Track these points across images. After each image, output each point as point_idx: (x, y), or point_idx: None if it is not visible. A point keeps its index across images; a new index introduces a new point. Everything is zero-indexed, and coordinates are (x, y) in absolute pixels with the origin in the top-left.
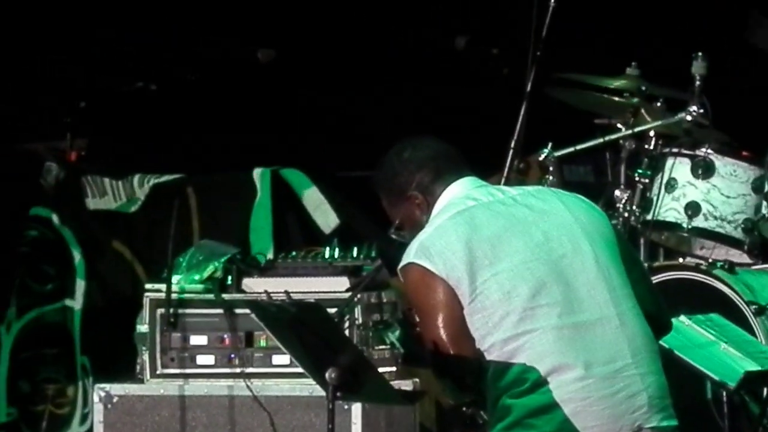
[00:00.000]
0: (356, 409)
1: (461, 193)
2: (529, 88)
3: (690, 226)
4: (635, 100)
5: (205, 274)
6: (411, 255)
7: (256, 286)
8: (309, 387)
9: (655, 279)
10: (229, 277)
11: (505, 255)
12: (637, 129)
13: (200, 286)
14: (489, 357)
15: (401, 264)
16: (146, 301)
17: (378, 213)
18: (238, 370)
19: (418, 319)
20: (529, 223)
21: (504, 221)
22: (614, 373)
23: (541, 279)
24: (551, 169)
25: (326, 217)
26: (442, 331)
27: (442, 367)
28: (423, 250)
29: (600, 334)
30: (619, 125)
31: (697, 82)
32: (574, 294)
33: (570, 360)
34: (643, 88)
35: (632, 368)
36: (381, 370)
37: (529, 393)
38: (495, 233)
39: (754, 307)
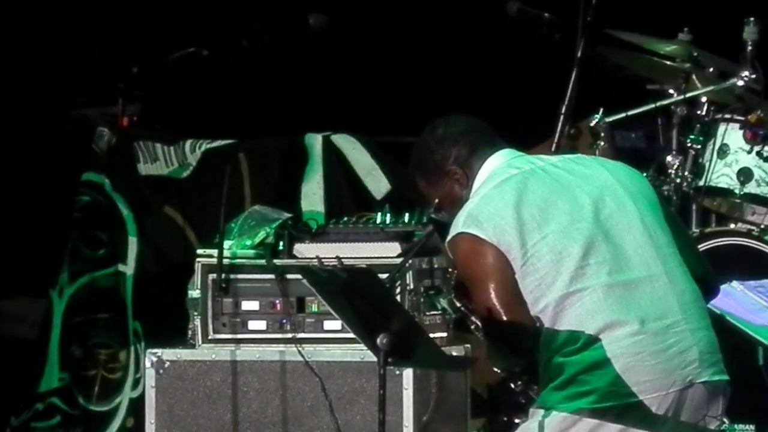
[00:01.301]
0: (407, 374)
1: (501, 164)
2: (580, 53)
3: (742, 192)
4: (687, 65)
5: (257, 240)
6: (459, 225)
7: (307, 251)
8: (360, 352)
9: (707, 245)
10: (281, 243)
11: (552, 217)
12: (689, 94)
13: (252, 252)
14: (543, 319)
15: (449, 236)
16: (198, 267)
17: None
18: (289, 336)
19: (469, 297)
20: (573, 187)
21: (548, 186)
22: (665, 328)
23: (591, 238)
24: (602, 135)
25: (378, 183)
26: (495, 297)
27: (498, 333)
28: (471, 219)
29: (649, 291)
30: (670, 91)
31: (749, 48)
32: (621, 252)
33: (621, 316)
34: (695, 53)
35: (683, 324)
36: (432, 335)
37: (582, 350)
38: (541, 197)
39: None
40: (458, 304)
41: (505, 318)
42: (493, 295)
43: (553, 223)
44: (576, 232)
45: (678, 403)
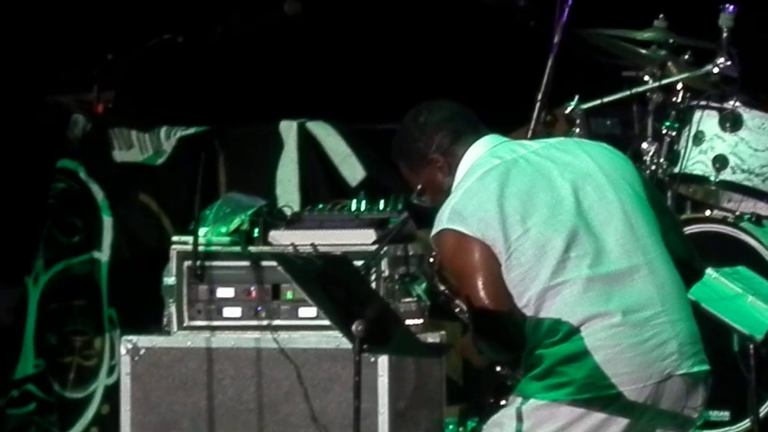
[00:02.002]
0: (383, 361)
1: (484, 154)
2: (556, 40)
3: (717, 179)
4: (662, 52)
5: (232, 227)
6: (444, 221)
7: (282, 238)
8: (336, 340)
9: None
10: (256, 230)
11: (534, 210)
12: (664, 81)
13: (227, 239)
14: (526, 312)
15: (434, 231)
16: (173, 254)
17: None
18: (264, 323)
19: (452, 285)
20: (554, 177)
21: (530, 177)
22: (644, 321)
23: (573, 230)
24: (578, 121)
25: (353, 170)
26: (483, 292)
27: (487, 328)
28: (455, 214)
29: (629, 283)
30: (646, 78)
31: (725, 35)
32: (602, 245)
33: (601, 309)
34: (671, 40)
35: (662, 316)
36: (407, 322)
37: (561, 342)
38: (522, 189)
39: None
40: (442, 288)
41: (494, 313)
42: (481, 290)
43: (536, 215)
44: (558, 224)
45: (656, 395)
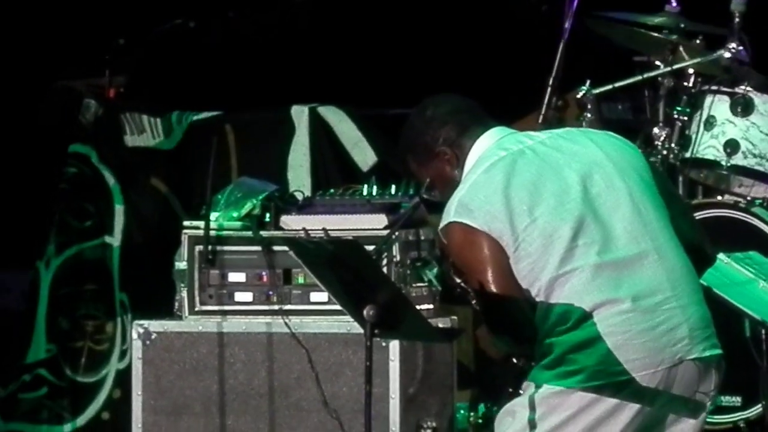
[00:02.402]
0: (394, 346)
1: (491, 146)
2: (567, 24)
3: (729, 164)
4: (674, 37)
5: (243, 211)
6: (451, 214)
7: (294, 223)
8: (347, 324)
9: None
10: (267, 215)
11: (541, 200)
12: (675, 66)
13: (238, 224)
14: (536, 301)
15: (441, 224)
16: (184, 238)
17: None
18: (276, 308)
19: (466, 278)
20: (561, 166)
21: (536, 167)
22: (654, 306)
23: (580, 218)
24: (589, 106)
25: (364, 155)
26: (493, 286)
27: (499, 322)
28: (462, 208)
29: (638, 269)
30: (657, 63)
31: (736, 19)
32: (610, 231)
33: (611, 296)
34: (682, 25)
35: (672, 301)
36: (419, 307)
37: (571, 330)
38: (529, 179)
39: None
40: (458, 281)
41: (504, 306)
42: (490, 283)
43: (543, 205)
44: (565, 213)
45: (668, 380)
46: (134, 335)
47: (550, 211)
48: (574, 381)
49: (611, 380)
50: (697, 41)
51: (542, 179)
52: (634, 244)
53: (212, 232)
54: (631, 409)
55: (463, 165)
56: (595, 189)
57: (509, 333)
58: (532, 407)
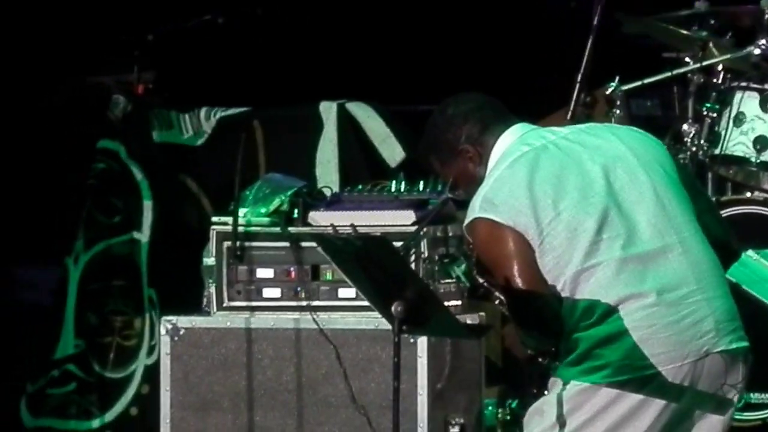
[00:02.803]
0: (422, 342)
1: (514, 142)
2: (596, 21)
3: (758, 161)
4: (704, 34)
5: (272, 208)
6: (476, 210)
7: (322, 219)
8: (375, 320)
9: (723, 213)
10: (296, 211)
11: (565, 193)
12: (705, 63)
13: (266, 219)
14: (561, 296)
15: (466, 221)
16: (213, 234)
17: None
18: (304, 303)
19: (490, 277)
20: (584, 160)
21: (560, 161)
22: (679, 299)
23: (604, 212)
24: (618, 103)
25: (392, 151)
26: (519, 280)
27: (526, 317)
28: (486, 203)
29: (663, 262)
30: (686, 59)
31: (766, 16)
32: (634, 225)
33: (635, 290)
34: (712, 21)
35: (697, 294)
36: (447, 303)
37: (596, 325)
38: (553, 173)
39: None
40: (481, 280)
41: (530, 300)
42: (516, 278)
43: (567, 199)
44: (590, 207)
45: (694, 374)
46: (162, 331)
47: (575, 204)
48: (600, 376)
49: (637, 375)
50: (727, 37)
51: (566, 173)
52: (658, 237)
53: (240, 228)
54: (657, 405)
55: (486, 162)
56: (619, 183)
57: (537, 327)
58: (560, 405)
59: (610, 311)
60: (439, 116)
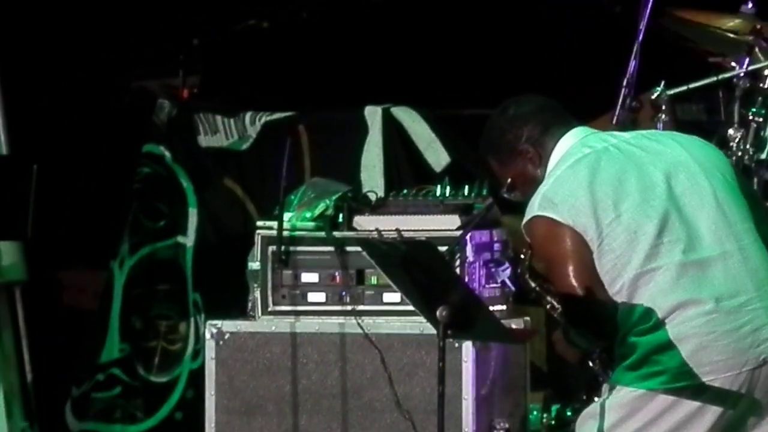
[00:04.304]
0: (467, 347)
1: (575, 144)
2: (642, 26)
3: None
4: (749, 38)
5: (317, 212)
6: (535, 208)
7: (367, 224)
8: (420, 325)
9: None
10: (341, 215)
11: (626, 195)
12: (751, 68)
13: (311, 224)
14: (618, 299)
15: (525, 219)
16: (258, 239)
17: None
18: (348, 308)
19: (543, 280)
20: (646, 163)
21: (621, 164)
22: (738, 307)
23: (665, 215)
24: (664, 107)
25: (437, 155)
26: (574, 280)
27: (578, 316)
28: (546, 202)
29: (722, 269)
30: (732, 64)
31: None
32: (695, 230)
33: (694, 295)
34: (758, 26)
35: (756, 301)
36: (491, 308)
37: (654, 330)
38: (614, 175)
39: None
40: (533, 285)
41: (584, 300)
42: (572, 277)
43: (627, 201)
44: (650, 210)
45: (751, 382)
46: (207, 335)
47: (635, 207)
48: (657, 382)
49: (694, 382)
50: None
51: (627, 176)
52: (718, 244)
53: (285, 233)
54: (714, 412)
55: (546, 164)
56: (680, 188)
57: (588, 327)
58: (615, 410)
59: (669, 316)
60: (500, 117)
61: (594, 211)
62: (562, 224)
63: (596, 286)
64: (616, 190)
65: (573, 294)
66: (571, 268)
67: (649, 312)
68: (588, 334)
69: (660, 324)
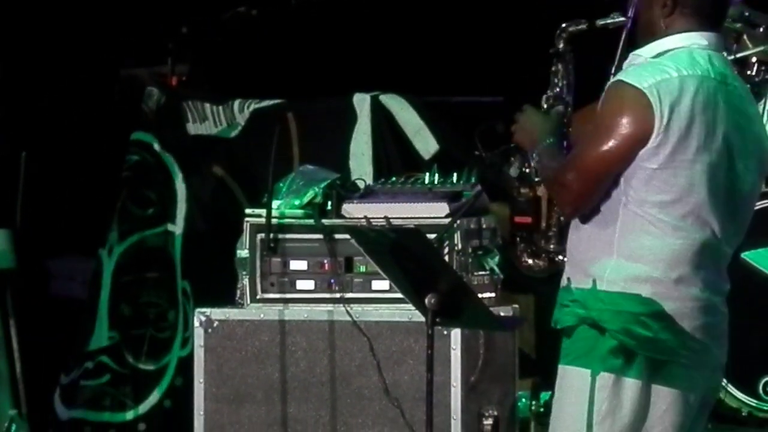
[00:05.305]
0: (455, 334)
1: (691, 50)
2: (630, 13)
3: None
4: (738, 25)
5: (305, 200)
6: (624, 75)
7: (355, 211)
8: (408, 312)
9: (761, 205)
10: (329, 203)
11: (713, 136)
12: (739, 55)
13: (300, 212)
14: (624, 217)
15: (616, 78)
16: (246, 226)
17: (477, 139)
18: (337, 296)
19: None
20: (737, 135)
21: (725, 122)
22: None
23: (718, 194)
24: None
25: (426, 143)
26: (605, 147)
27: (566, 180)
28: (638, 77)
29: (724, 266)
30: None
31: None
32: (733, 226)
33: (696, 276)
34: (746, 13)
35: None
36: (480, 296)
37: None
38: (717, 124)
39: None
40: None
41: (590, 175)
42: (602, 149)
43: (706, 155)
44: (714, 179)
45: None
46: (196, 323)
47: (708, 167)
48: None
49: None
50: (761, 29)
51: (719, 132)
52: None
53: (274, 221)
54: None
55: (666, 30)
56: (748, 180)
57: (562, 196)
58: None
59: (668, 285)
60: None
61: (683, 139)
62: (640, 101)
63: (607, 179)
64: (706, 138)
65: (587, 162)
66: (610, 143)
67: (647, 280)
68: (563, 192)
69: (653, 294)
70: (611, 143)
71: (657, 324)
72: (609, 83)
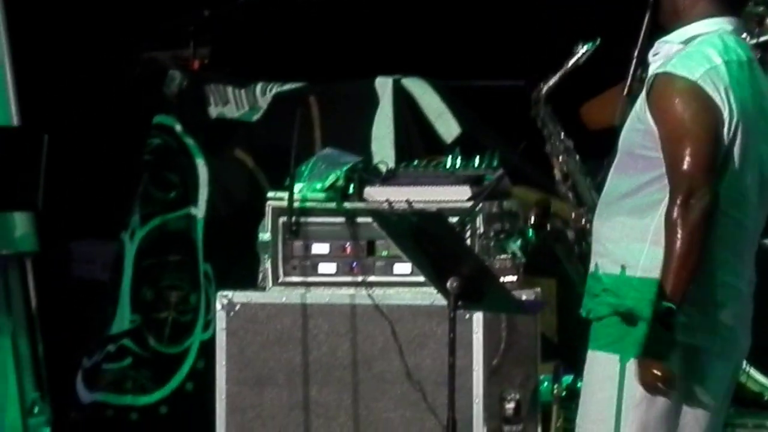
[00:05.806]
0: (477, 318)
1: (722, 37)
2: None
3: None
4: (760, 8)
5: (327, 183)
6: (679, 68)
7: (377, 194)
8: (430, 296)
9: None
10: (351, 186)
11: (753, 121)
12: (762, 38)
13: (322, 195)
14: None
15: (660, 70)
16: (268, 210)
17: (499, 123)
18: (359, 279)
19: (666, 137)
20: (763, 119)
21: (753, 106)
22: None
23: (753, 179)
24: None
25: (448, 126)
26: (702, 151)
27: (694, 193)
28: (707, 74)
29: (751, 254)
30: (743, 35)
31: None
32: (762, 212)
33: (731, 263)
34: None
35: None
36: (502, 279)
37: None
38: (746, 92)
39: None
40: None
41: (701, 172)
42: (701, 145)
43: (744, 139)
44: (756, 167)
45: None
46: (218, 306)
47: (746, 139)
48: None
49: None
50: None
51: (754, 121)
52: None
53: (296, 204)
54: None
55: (690, 15)
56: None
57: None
58: None
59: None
60: None
61: (728, 99)
62: (702, 90)
63: (715, 171)
64: (743, 111)
65: (690, 169)
66: (703, 141)
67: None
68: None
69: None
70: (699, 132)
71: (692, 310)
72: (656, 76)
